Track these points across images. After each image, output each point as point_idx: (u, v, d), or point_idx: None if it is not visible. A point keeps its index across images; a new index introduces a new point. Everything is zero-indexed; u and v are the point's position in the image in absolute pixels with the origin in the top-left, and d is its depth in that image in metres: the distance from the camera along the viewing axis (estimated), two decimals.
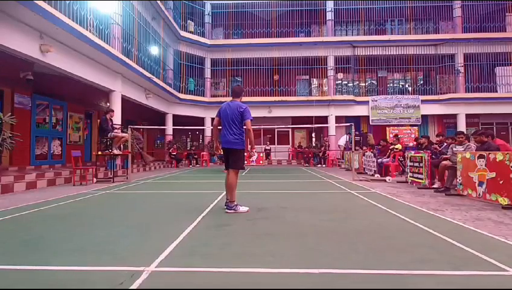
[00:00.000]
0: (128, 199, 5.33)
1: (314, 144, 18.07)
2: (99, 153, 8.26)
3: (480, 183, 4.84)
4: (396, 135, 11.41)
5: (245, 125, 4.07)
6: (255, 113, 17.73)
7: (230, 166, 4.12)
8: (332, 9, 17.47)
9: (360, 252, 2.44)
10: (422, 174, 6.87)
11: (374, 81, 18.79)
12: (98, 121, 8.88)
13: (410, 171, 7.52)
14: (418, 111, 16.99)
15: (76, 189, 6.54)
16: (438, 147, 7.40)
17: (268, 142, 18.59)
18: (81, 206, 4.57)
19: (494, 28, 16.74)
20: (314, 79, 18.99)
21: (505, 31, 16.72)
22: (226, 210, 4.01)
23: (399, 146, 9.58)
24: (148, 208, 4.41)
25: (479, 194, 4.86)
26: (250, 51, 17.59)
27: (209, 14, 18.08)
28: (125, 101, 11.09)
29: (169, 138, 16.76)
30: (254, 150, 4.33)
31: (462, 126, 16.31)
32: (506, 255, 2.36)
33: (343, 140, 15.53)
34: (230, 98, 4.32)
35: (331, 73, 17.39)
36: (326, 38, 17.21)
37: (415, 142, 12.01)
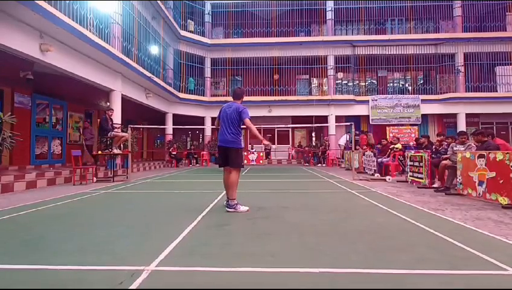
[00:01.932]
0: (128, 199, 5.33)
1: (314, 144, 18.07)
2: (99, 152, 8.26)
3: (480, 183, 4.84)
4: (395, 136, 11.42)
5: (244, 125, 4.12)
6: (255, 112, 17.82)
7: (230, 165, 4.12)
8: (333, 9, 17.45)
9: (360, 251, 2.44)
10: (422, 173, 6.87)
11: (374, 81, 18.78)
12: (98, 120, 8.90)
13: (410, 171, 7.52)
14: (418, 110, 16.99)
15: (76, 189, 6.54)
16: (442, 143, 7.31)
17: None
18: (81, 206, 4.57)
19: (494, 28, 16.72)
20: (314, 78, 18.98)
21: (505, 31, 16.69)
22: (227, 209, 4.02)
23: (399, 145, 9.57)
24: (148, 208, 4.41)
25: (479, 194, 4.86)
26: (250, 51, 17.58)
27: (209, 13, 18.06)
28: (125, 100, 11.08)
29: (169, 137, 16.76)
30: (266, 141, 4.48)
31: (462, 126, 16.31)
32: (506, 254, 2.36)
33: (343, 139, 15.56)
34: (231, 99, 4.33)
35: (331, 72, 17.38)
36: (326, 38, 17.20)
37: (414, 142, 12.01)
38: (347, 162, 12.98)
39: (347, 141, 14.85)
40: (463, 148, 5.84)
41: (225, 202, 4.16)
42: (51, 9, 6.29)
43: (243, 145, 4.19)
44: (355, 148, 12.21)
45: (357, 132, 15.17)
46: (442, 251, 2.45)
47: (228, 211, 3.97)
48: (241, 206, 4.03)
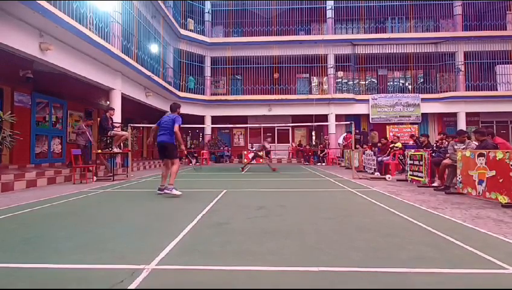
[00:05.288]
0: (128, 197, 5.34)
1: (314, 142, 18.08)
2: (100, 151, 8.26)
3: (480, 182, 4.84)
4: (395, 135, 11.43)
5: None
6: (255, 111, 17.90)
7: (169, 157, 5.42)
8: (333, 7, 17.42)
9: (359, 250, 2.44)
10: (422, 172, 6.87)
11: (374, 80, 18.77)
12: (98, 119, 8.88)
13: (410, 170, 7.52)
14: (418, 109, 16.98)
15: (77, 187, 6.55)
16: (442, 142, 7.31)
17: (268, 141, 18.61)
18: (81, 205, 4.58)
19: (494, 26, 16.70)
20: (314, 77, 18.97)
21: (505, 29, 16.67)
22: (165, 191, 5.11)
23: (399, 144, 9.58)
24: (148, 206, 4.41)
25: (479, 193, 4.86)
26: (250, 49, 17.56)
27: (208, 12, 18.04)
28: (125, 99, 11.08)
29: None
30: (184, 147, 5.77)
31: (462, 124, 16.31)
32: (505, 253, 2.36)
33: (343, 138, 15.57)
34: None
35: (331, 71, 17.37)
36: (327, 37, 17.18)
37: (410, 138, 12.04)
38: (347, 161, 12.98)
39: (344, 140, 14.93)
40: (463, 147, 5.85)
41: (160, 187, 5.31)
42: (51, 8, 6.28)
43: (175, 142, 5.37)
44: (355, 147, 12.22)
45: (357, 131, 15.19)
46: (442, 250, 2.45)
47: (161, 194, 5.11)
48: (175, 190, 5.04)
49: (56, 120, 10.48)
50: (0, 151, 6.48)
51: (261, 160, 10.82)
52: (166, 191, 5.06)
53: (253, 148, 17.45)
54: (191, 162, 16.47)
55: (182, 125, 5.37)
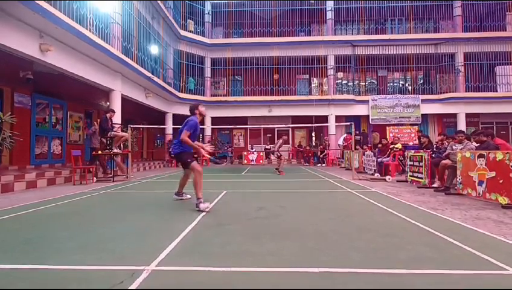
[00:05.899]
0: (128, 198, 5.34)
1: (314, 143, 18.08)
2: (99, 152, 8.26)
3: (480, 183, 4.84)
4: (395, 136, 11.41)
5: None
6: (255, 112, 17.90)
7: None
8: (333, 9, 17.44)
9: (359, 251, 2.44)
10: (422, 173, 6.88)
11: (374, 81, 18.78)
12: (98, 120, 8.90)
13: (410, 171, 7.52)
14: (417, 110, 16.99)
15: (77, 188, 6.55)
16: (443, 143, 7.31)
17: (268, 142, 18.62)
18: (81, 206, 4.58)
19: (494, 27, 16.71)
20: (314, 78, 18.98)
21: (505, 30, 16.69)
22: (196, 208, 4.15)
23: (399, 145, 9.57)
24: (148, 208, 4.41)
25: (479, 194, 4.86)
26: (250, 50, 17.57)
27: (209, 13, 18.06)
28: (125, 100, 11.08)
29: (169, 137, 16.74)
30: (204, 151, 4.68)
31: (462, 125, 16.31)
32: (505, 254, 2.36)
33: (343, 139, 15.59)
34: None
35: (331, 72, 17.38)
36: (327, 38, 17.19)
37: (418, 135, 12.03)
38: (347, 162, 12.98)
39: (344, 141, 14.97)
40: (461, 147, 5.86)
41: (177, 192, 4.96)
42: (51, 8, 6.29)
43: (185, 149, 4.49)
44: (355, 148, 12.23)
45: (357, 132, 15.21)
46: (442, 250, 2.45)
47: (177, 199, 4.77)
48: (202, 203, 4.12)
49: (56, 121, 10.49)
50: (0, 152, 6.48)
51: (260, 161, 10.85)
52: (196, 207, 4.20)
53: (253, 149, 17.47)
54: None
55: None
